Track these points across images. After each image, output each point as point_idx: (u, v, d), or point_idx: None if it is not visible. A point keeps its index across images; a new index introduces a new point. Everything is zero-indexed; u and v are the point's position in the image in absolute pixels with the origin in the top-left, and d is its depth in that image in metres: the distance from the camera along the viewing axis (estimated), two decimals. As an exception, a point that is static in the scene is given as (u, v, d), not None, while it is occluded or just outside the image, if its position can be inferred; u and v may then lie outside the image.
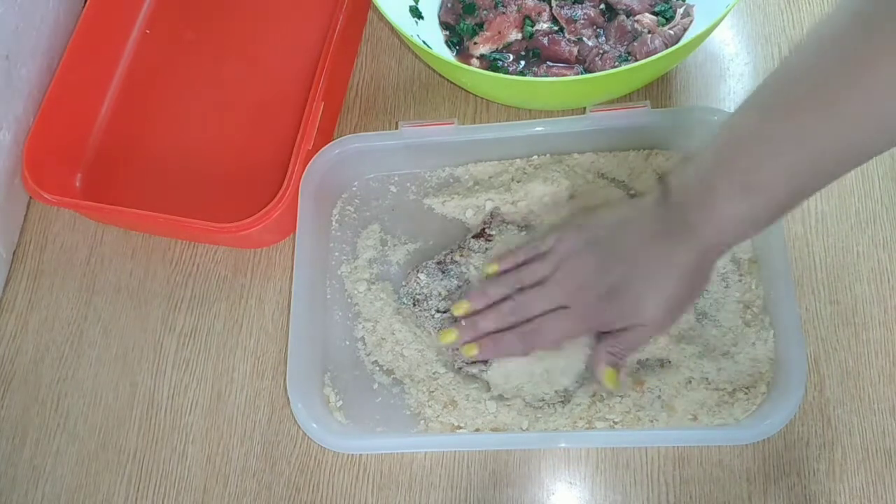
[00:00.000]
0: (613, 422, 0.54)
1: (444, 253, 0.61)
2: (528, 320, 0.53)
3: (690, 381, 0.55)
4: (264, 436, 0.59)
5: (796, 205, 0.44)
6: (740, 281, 0.57)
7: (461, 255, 0.60)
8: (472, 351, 0.55)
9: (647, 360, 0.56)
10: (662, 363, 0.56)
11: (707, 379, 0.55)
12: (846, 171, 0.42)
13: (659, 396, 0.55)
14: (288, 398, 0.60)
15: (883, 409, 0.55)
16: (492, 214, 0.62)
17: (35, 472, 0.60)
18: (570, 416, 0.55)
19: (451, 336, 0.56)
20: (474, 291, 0.57)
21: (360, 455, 0.58)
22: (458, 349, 0.57)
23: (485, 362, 0.57)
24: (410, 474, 0.57)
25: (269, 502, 0.58)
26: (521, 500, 0.56)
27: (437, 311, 0.59)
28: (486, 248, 0.60)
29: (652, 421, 0.54)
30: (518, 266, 0.56)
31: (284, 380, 0.61)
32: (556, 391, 0.56)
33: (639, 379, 0.55)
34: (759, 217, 0.44)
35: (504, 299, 0.55)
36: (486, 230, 0.60)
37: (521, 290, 0.54)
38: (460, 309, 0.56)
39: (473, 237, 0.61)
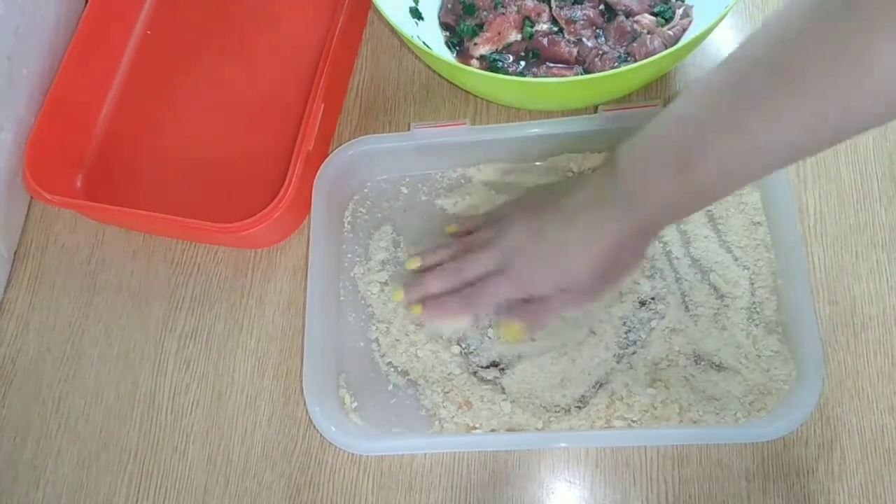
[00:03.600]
0: (632, 421, 0.54)
1: None
2: (472, 284, 0.54)
3: (706, 383, 0.55)
4: (265, 436, 0.60)
5: (727, 193, 0.44)
6: (755, 284, 0.58)
7: None
8: (417, 310, 0.56)
9: (662, 360, 0.56)
10: (677, 363, 0.56)
11: (723, 378, 0.55)
12: (780, 167, 0.41)
13: (670, 395, 0.55)
14: (289, 398, 0.60)
15: (882, 409, 0.55)
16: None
17: (36, 472, 0.61)
18: (587, 416, 0.55)
19: (400, 295, 0.57)
20: (428, 250, 0.59)
21: (361, 455, 0.58)
22: (469, 355, 0.58)
23: (500, 370, 0.57)
24: (411, 473, 0.57)
25: (269, 502, 0.58)
26: (521, 500, 0.56)
27: None
28: None
29: (668, 419, 0.54)
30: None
31: (285, 380, 0.61)
32: (572, 397, 0.56)
33: (655, 377, 0.56)
34: (687, 199, 0.44)
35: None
36: None
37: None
38: (412, 264, 0.58)
39: None
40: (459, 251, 0.56)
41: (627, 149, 0.47)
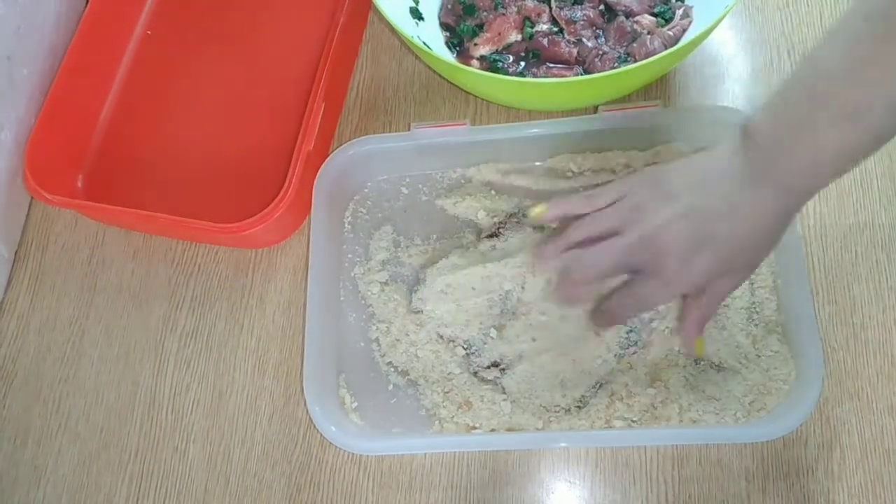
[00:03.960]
0: (632, 421, 0.54)
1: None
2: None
3: (705, 383, 0.55)
4: (265, 435, 0.60)
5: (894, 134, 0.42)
6: (754, 284, 0.58)
7: None
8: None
9: (662, 360, 0.56)
10: (676, 363, 0.56)
11: (723, 378, 0.55)
12: None
13: (670, 395, 0.55)
14: (289, 398, 0.60)
15: (881, 409, 0.55)
16: (508, 214, 0.62)
17: (37, 472, 0.61)
18: (587, 416, 0.55)
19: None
20: (559, 204, 0.53)
21: (361, 454, 0.58)
22: (471, 355, 0.58)
23: (501, 370, 0.57)
24: (411, 473, 0.57)
25: (269, 501, 0.58)
26: (521, 499, 0.56)
27: None
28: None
29: (668, 419, 0.54)
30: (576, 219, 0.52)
31: (285, 379, 0.61)
32: (572, 397, 0.56)
33: (655, 377, 0.56)
34: (858, 148, 0.43)
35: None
36: (501, 230, 0.61)
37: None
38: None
39: (487, 237, 0.61)
40: (600, 231, 0.51)
41: (767, 119, 0.45)
